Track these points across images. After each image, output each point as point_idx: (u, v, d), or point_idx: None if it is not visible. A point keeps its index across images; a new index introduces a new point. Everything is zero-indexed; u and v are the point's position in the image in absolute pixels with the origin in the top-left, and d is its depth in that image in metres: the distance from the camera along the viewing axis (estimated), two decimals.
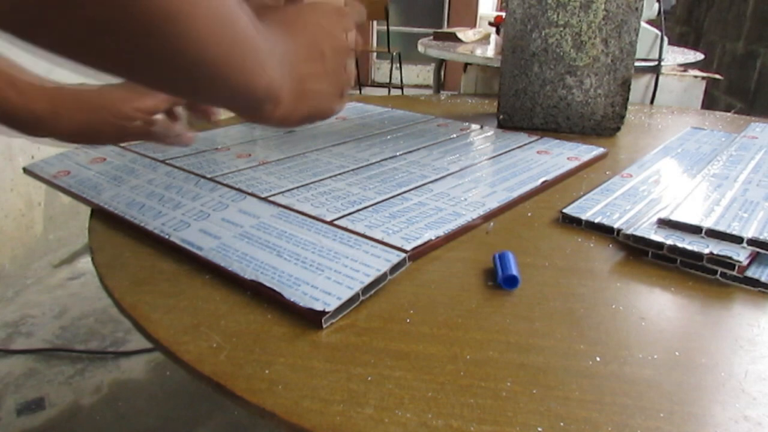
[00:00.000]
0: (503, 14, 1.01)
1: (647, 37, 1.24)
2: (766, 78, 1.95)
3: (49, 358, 1.53)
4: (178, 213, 0.52)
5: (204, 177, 0.60)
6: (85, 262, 2.02)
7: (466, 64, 1.48)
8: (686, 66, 1.41)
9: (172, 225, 0.50)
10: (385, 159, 0.70)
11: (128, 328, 1.64)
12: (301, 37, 0.36)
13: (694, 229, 0.48)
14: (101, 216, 0.55)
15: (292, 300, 0.39)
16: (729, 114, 1.07)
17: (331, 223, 0.50)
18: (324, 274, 0.41)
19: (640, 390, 0.33)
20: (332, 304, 0.38)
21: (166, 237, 0.49)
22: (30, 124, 0.49)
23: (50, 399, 1.38)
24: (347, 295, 0.39)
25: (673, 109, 1.11)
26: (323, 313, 0.38)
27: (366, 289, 0.40)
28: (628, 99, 0.86)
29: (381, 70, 5.64)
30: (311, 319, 0.38)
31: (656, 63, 1.24)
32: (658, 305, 0.43)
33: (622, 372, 0.35)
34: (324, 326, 0.38)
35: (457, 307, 0.41)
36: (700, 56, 1.44)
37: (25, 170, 0.61)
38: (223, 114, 0.55)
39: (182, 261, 0.47)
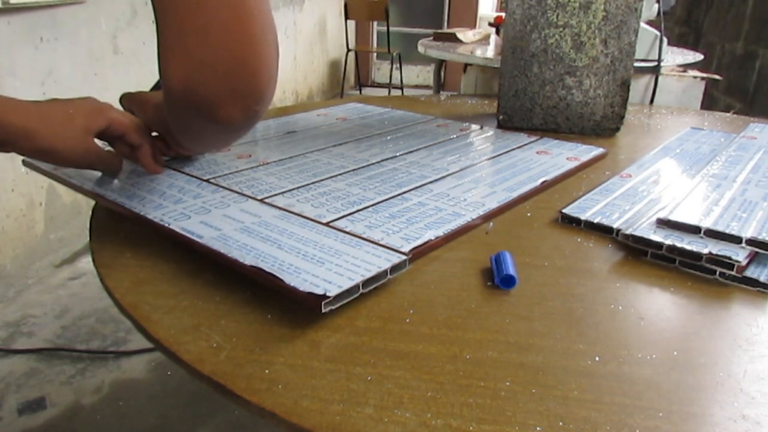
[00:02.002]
0: (503, 15, 1.01)
1: (647, 38, 1.24)
2: (765, 78, 1.95)
3: (50, 357, 1.53)
4: (179, 206, 0.53)
5: (201, 179, 0.61)
6: (86, 262, 2.03)
7: (466, 65, 1.48)
8: (685, 66, 1.41)
9: (172, 216, 0.51)
10: (385, 159, 0.70)
11: (129, 328, 1.64)
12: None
13: (693, 229, 0.48)
14: (102, 215, 0.56)
15: (292, 285, 0.39)
16: (728, 114, 1.07)
17: (330, 225, 0.50)
18: (325, 266, 0.42)
19: (639, 389, 0.34)
20: (333, 291, 0.38)
21: (166, 225, 0.49)
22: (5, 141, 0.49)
23: (51, 398, 1.38)
24: (348, 284, 0.39)
25: (673, 110, 1.11)
26: (323, 297, 0.38)
27: (366, 283, 0.40)
28: (627, 99, 0.86)
29: (381, 71, 5.65)
30: (311, 304, 0.38)
31: (656, 63, 1.24)
32: (657, 305, 0.43)
33: (621, 371, 0.35)
34: (323, 311, 0.38)
35: (457, 307, 0.42)
36: (699, 57, 1.44)
37: (24, 162, 0.61)
38: None
39: (182, 261, 0.47)
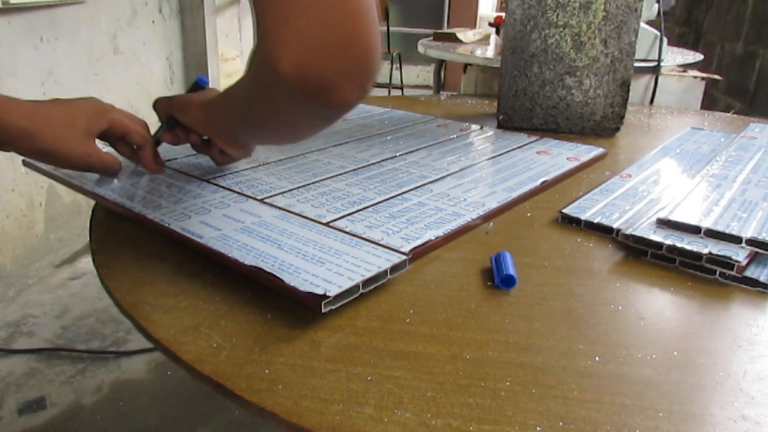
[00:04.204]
0: (503, 15, 1.01)
1: (647, 38, 1.24)
2: (765, 78, 1.95)
3: (50, 357, 1.53)
4: (179, 207, 0.53)
5: (201, 179, 0.61)
6: (86, 262, 2.03)
7: (466, 65, 1.48)
8: (686, 66, 1.41)
9: (173, 216, 0.51)
10: (385, 159, 0.70)
11: (129, 328, 1.64)
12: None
13: (693, 229, 0.48)
14: (102, 215, 0.56)
15: (292, 285, 0.39)
16: (728, 114, 1.07)
17: (330, 225, 0.50)
18: (325, 266, 0.42)
19: (639, 389, 0.34)
20: (333, 291, 0.38)
21: (166, 225, 0.49)
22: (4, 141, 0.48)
23: (51, 398, 1.38)
24: (348, 284, 0.39)
25: (673, 110, 1.11)
26: (324, 297, 0.38)
27: (366, 283, 0.41)
28: (627, 99, 0.86)
29: (381, 71, 5.64)
30: (311, 305, 0.38)
31: (656, 63, 1.24)
32: (657, 305, 0.43)
33: (621, 371, 0.35)
34: (323, 311, 0.38)
35: (457, 307, 0.42)
36: (699, 57, 1.44)
37: (24, 162, 0.61)
38: None
39: (182, 262, 0.47)
